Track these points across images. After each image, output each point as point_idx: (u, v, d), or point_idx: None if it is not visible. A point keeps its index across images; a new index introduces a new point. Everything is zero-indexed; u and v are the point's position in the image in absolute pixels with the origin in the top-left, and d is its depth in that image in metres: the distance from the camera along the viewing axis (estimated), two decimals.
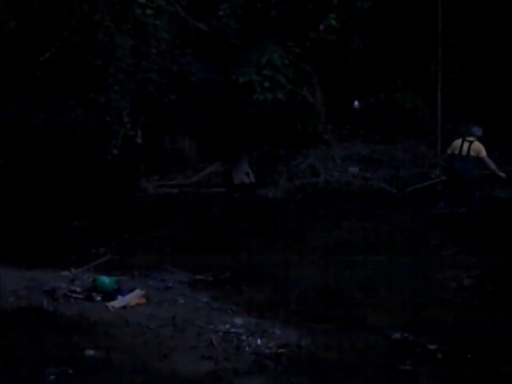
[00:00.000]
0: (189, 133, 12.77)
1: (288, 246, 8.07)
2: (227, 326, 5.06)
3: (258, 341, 4.83)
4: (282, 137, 12.71)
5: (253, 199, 11.56)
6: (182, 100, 12.19)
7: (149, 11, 11.28)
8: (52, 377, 4.11)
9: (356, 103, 13.20)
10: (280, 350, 4.70)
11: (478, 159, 9.83)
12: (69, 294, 5.60)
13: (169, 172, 12.44)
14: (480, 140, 9.86)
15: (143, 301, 5.63)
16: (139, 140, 11.54)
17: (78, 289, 5.72)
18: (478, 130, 9.95)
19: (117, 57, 11.01)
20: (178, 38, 12.15)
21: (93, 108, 12.35)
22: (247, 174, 12.37)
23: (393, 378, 4.35)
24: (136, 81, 11.39)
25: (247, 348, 4.73)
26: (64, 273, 6.18)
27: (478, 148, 9.79)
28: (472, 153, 9.78)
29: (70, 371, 4.19)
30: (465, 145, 9.86)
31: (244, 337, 4.86)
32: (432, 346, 4.75)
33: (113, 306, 5.40)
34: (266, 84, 11.98)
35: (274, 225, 9.54)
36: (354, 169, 12.13)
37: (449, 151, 10.04)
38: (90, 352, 4.47)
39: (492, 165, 9.95)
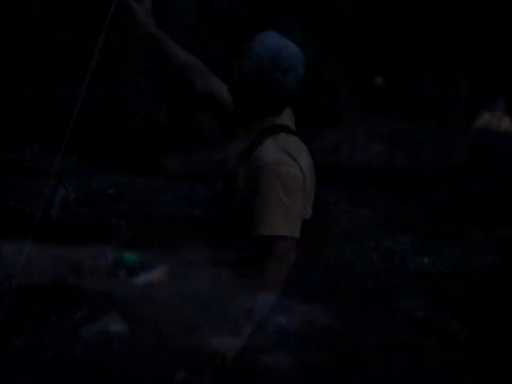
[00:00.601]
0: (210, 111, 12.75)
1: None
2: (251, 302, 5.05)
3: (282, 318, 4.82)
4: (303, 116, 12.63)
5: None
6: None
7: None
8: (78, 352, 4.15)
9: (379, 79, 13.13)
10: (303, 327, 4.68)
11: (507, 134, 9.74)
12: (93, 270, 5.63)
13: (191, 150, 12.47)
14: (504, 112, 9.77)
15: (167, 277, 5.64)
16: (162, 117, 11.57)
17: (102, 266, 5.74)
18: (501, 103, 9.84)
19: (137, 34, 10.99)
20: (198, 17, 12.11)
21: (114, 87, 12.36)
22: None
23: (417, 357, 4.34)
24: (157, 59, 11.38)
25: (270, 325, 4.71)
26: (89, 249, 6.20)
27: (509, 124, 9.69)
28: (502, 128, 9.68)
29: (96, 346, 4.24)
30: (495, 119, 9.76)
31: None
32: (456, 325, 4.73)
33: (137, 283, 5.42)
34: None
35: None
36: (376, 148, 12.09)
37: (477, 125, 9.92)
38: (116, 327, 4.50)
39: None
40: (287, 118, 2.65)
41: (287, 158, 2.45)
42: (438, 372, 4.23)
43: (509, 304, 5.22)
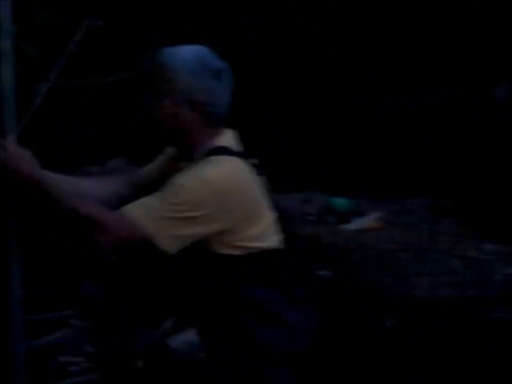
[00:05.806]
0: None
1: None
2: (474, 252, 4.78)
3: (510, 269, 4.52)
4: None
5: None
6: None
7: None
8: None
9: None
10: None
11: None
12: (303, 215, 5.43)
13: None
14: None
15: (381, 224, 5.33)
16: None
17: (311, 211, 5.53)
18: None
19: None
20: None
21: None
22: None
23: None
24: None
25: (496, 276, 4.42)
26: (297, 194, 5.93)
27: None
28: None
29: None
30: None
31: (493, 264, 4.55)
32: None
33: (348, 229, 5.21)
34: None
35: None
36: None
37: None
38: (321, 272, 4.38)
39: None
40: (228, 137, 2.35)
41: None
42: None
43: None
